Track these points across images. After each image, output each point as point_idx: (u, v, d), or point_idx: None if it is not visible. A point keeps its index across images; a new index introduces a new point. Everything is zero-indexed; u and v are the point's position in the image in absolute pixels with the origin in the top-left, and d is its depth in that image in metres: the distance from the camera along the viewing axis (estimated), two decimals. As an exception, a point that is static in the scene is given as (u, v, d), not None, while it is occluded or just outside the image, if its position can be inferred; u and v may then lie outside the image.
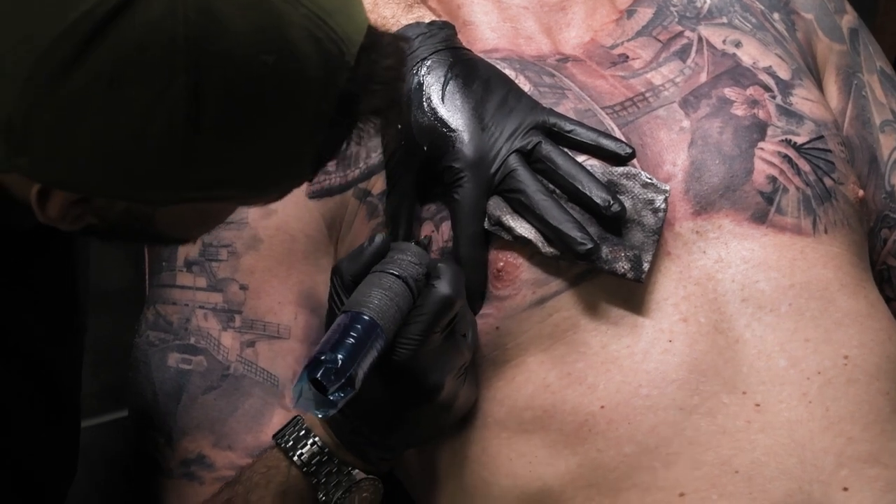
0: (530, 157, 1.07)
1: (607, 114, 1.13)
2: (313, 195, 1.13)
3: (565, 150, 1.08)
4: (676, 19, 1.22)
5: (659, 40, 1.20)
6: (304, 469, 1.03)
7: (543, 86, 1.14)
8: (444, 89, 1.08)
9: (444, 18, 1.20)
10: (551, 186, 1.07)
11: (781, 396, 1.05)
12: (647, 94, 1.15)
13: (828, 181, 1.14)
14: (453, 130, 1.07)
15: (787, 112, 1.16)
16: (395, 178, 1.11)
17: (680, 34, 1.20)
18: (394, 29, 1.09)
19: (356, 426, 1.03)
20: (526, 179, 1.06)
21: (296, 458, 1.03)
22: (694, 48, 1.19)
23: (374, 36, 0.85)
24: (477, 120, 1.07)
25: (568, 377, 1.06)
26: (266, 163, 0.82)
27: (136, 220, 0.86)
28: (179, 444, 1.09)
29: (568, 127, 1.09)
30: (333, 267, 1.03)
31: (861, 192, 1.18)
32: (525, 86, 1.13)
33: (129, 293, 1.59)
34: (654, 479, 1.03)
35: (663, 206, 1.07)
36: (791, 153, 1.13)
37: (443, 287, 1.00)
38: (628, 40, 1.20)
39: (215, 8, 0.78)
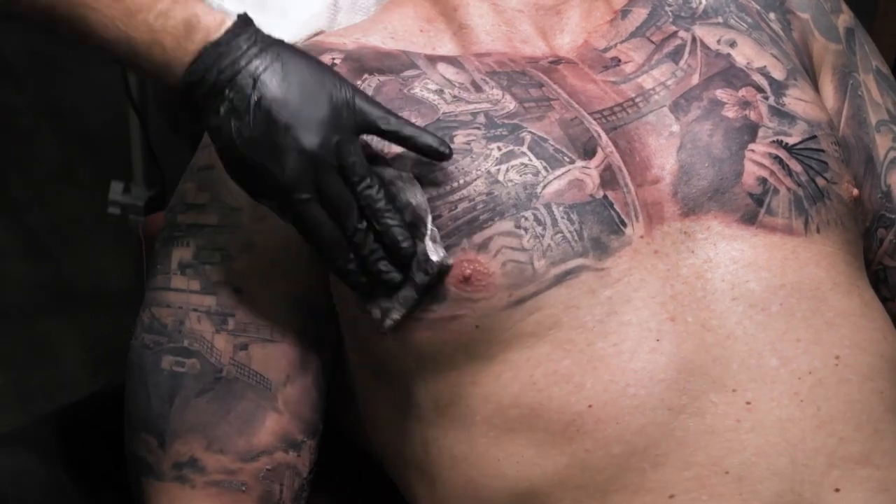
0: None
1: (595, 119, 1.13)
2: None
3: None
4: (671, 19, 1.21)
5: (652, 41, 1.20)
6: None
7: (529, 101, 1.13)
8: (249, 117, 1.03)
9: (441, 21, 1.20)
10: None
11: (773, 395, 1.04)
12: (637, 100, 1.15)
13: (820, 181, 1.13)
14: (265, 161, 1.03)
15: (780, 113, 1.15)
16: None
17: (674, 35, 1.20)
18: (186, 60, 1.03)
19: None
20: (344, 199, 1.04)
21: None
22: (687, 49, 1.19)
23: None
24: (286, 142, 1.02)
25: (554, 375, 1.05)
26: None
27: None
28: (171, 447, 1.09)
29: (384, 128, 1.06)
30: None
31: (856, 192, 1.18)
32: (510, 104, 1.13)
33: (129, 293, 1.60)
34: (642, 480, 1.03)
35: (434, 269, 1.06)
36: (782, 154, 1.13)
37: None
38: (621, 42, 1.20)
39: None
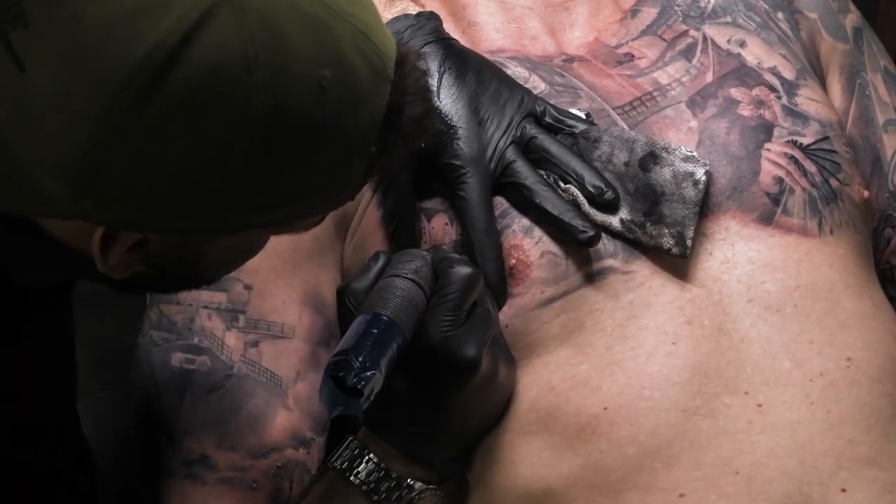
0: (527, 149, 1.08)
1: (618, 114, 1.13)
2: None
3: (558, 139, 1.08)
4: (681, 18, 1.21)
5: (664, 39, 1.20)
6: (363, 487, 1.02)
7: (557, 85, 1.14)
8: (438, 83, 1.08)
9: (449, 20, 1.20)
10: (549, 177, 1.07)
11: (784, 398, 1.05)
12: (655, 94, 1.15)
13: (834, 182, 1.14)
14: (451, 127, 1.07)
15: (793, 113, 1.16)
16: (392, 174, 1.10)
17: (685, 33, 1.20)
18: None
19: (407, 430, 1.02)
20: (524, 171, 1.06)
21: (353, 477, 1.02)
22: (699, 48, 1.19)
23: (402, 52, 0.86)
24: (473, 114, 1.07)
25: (572, 379, 1.06)
26: (325, 177, 0.82)
27: (185, 260, 0.85)
28: (182, 444, 1.09)
29: (558, 115, 1.10)
30: (340, 288, 1.02)
31: (866, 193, 1.18)
32: (539, 85, 1.13)
33: (129, 293, 1.58)
34: (654, 479, 1.03)
35: (703, 178, 1.07)
36: (797, 154, 1.13)
37: (462, 267, 1.00)
38: (633, 39, 1.20)
39: (277, 24, 0.77)
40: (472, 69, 1.09)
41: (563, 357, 1.06)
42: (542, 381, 1.06)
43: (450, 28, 1.18)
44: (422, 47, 1.08)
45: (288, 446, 1.11)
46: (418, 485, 1.03)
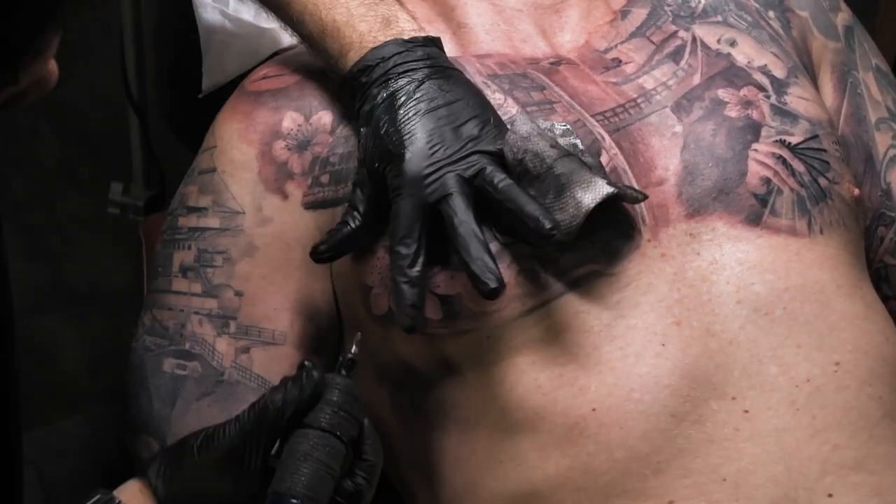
0: (474, 181, 1.05)
1: (597, 121, 1.13)
2: (308, 206, 1.13)
3: (506, 176, 1.05)
4: (671, 19, 1.21)
5: (652, 42, 1.20)
6: None
7: (531, 104, 1.13)
8: (402, 109, 1.06)
9: (439, 21, 1.20)
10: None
11: (770, 403, 1.05)
12: (639, 100, 1.15)
13: (823, 181, 1.13)
14: (401, 148, 1.05)
15: (782, 112, 1.15)
16: (362, 192, 1.09)
17: (674, 34, 1.20)
18: (369, 45, 1.09)
19: None
20: (457, 206, 1.03)
21: None
22: (688, 49, 1.19)
23: None
24: (425, 141, 1.05)
25: (559, 378, 1.05)
26: None
27: None
28: None
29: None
30: (261, 404, 0.95)
31: (857, 191, 1.18)
32: (513, 108, 1.12)
33: (129, 293, 1.60)
34: (643, 486, 1.03)
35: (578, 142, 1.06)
36: (785, 154, 1.13)
37: (372, 456, 0.97)
38: (622, 42, 1.20)
39: None
40: (447, 102, 1.07)
41: (549, 356, 1.06)
42: (528, 380, 1.06)
43: (440, 29, 1.19)
44: (401, 74, 1.07)
45: (279, 451, 1.11)
46: None
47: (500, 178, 1.04)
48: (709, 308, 1.07)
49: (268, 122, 1.15)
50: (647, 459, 1.03)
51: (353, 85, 1.09)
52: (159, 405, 1.11)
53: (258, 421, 0.94)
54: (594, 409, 1.04)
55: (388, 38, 1.08)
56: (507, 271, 1.06)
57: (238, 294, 1.12)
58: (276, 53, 1.38)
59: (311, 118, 1.15)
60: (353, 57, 1.09)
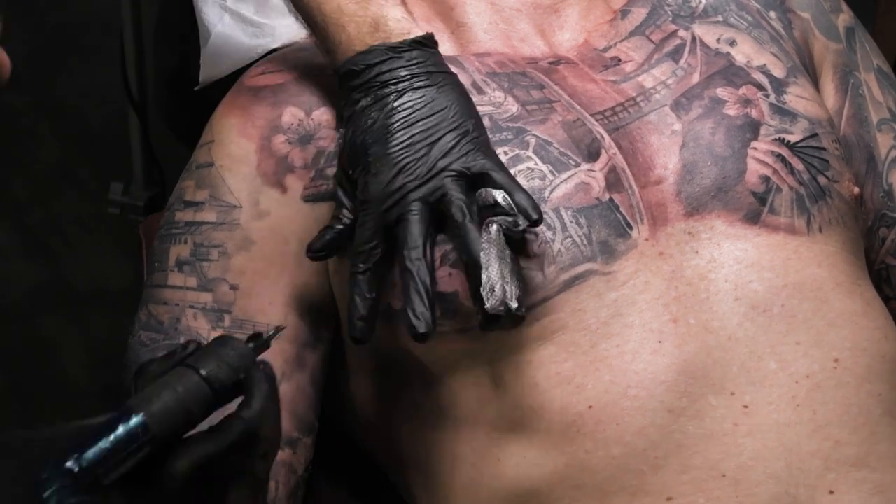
0: (439, 205, 1.04)
1: (597, 120, 1.13)
2: (308, 198, 1.13)
3: (464, 204, 1.03)
4: (670, 18, 1.21)
5: (652, 41, 1.20)
6: None
7: (531, 103, 1.13)
8: (378, 123, 1.05)
9: (438, 20, 1.20)
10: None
11: (770, 399, 1.04)
12: (639, 99, 1.15)
13: (822, 179, 1.13)
14: (369, 165, 1.04)
15: (781, 110, 1.15)
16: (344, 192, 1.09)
17: (673, 34, 1.20)
18: (356, 49, 1.07)
19: None
20: (411, 233, 1.02)
21: None
22: (687, 48, 1.19)
23: None
24: (394, 160, 1.04)
25: (557, 377, 1.05)
26: None
27: None
28: None
29: (495, 177, 1.05)
30: (139, 367, 0.93)
31: (856, 190, 1.18)
32: (513, 107, 1.12)
33: (129, 293, 1.59)
34: (641, 482, 1.03)
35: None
36: (785, 152, 1.13)
37: (248, 413, 0.90)
38: (621, 41, 1.20)
39: None
40: (428, 108, 1.05)
41: (546, 355, 1.06)
42: (525, 379, 1.06)
43: (438, 29, 1.18)
44: (384, 85, 1.05)
45: (274, 446, 1.11)
46: None
47: (456, 209, 1.03)
48: (706, 306, 1.07)
49: (267, 116, 1.15)
50: (645, 455, 1.03)
51: (340, 85, 1.09)
52: None
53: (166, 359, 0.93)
54: (591, 407, 1.04)
55: (376, 43, 1.07)
56: None
57: (233, 288, 1.12)
58: (274, 50, 1.38)
59: (311, 114, 1.14)
60: (341, 58, 1.08)
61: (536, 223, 1.03)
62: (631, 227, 1.08)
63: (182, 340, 1.10)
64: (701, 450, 1.03)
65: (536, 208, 1.03)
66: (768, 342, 1.06)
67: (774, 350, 1.06)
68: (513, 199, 1.03)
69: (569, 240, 1.07)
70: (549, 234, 1.06)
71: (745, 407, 1.04)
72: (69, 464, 0.84)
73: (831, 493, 1.03)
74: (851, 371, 1.07)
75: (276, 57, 1.23)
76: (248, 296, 1.12)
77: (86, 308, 2.24)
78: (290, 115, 1.15)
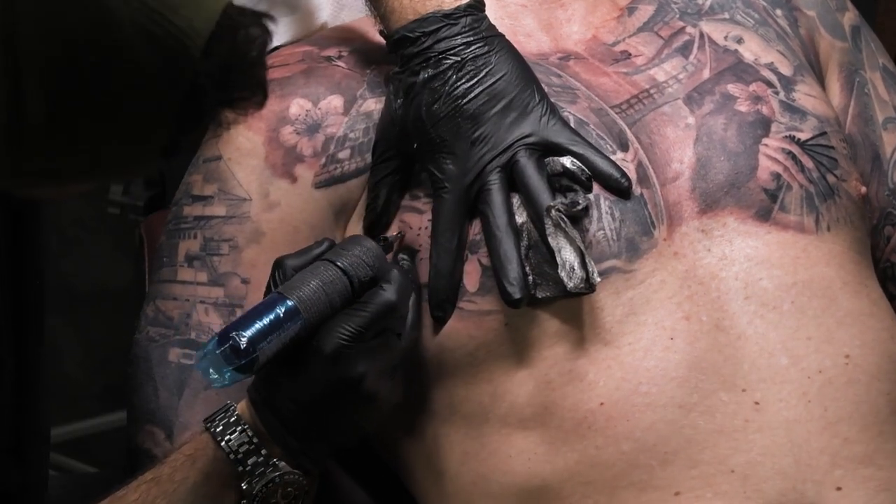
0: (512, 172, 1.06)
1: (616, 112, 1.13)
2: (321, 184, 1.13)
3: (537, 169, 1.06)
4: (678, 15, 1.21)
5: (661, 36, 1.20)
6: (231, 455, 1.01)
7: (555, 86, 1.13)
8: (443, 98, 1.06)
9: None
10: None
11: (781, 395, 1.05)
12: (652, 91, 1.15)
13: (830, 178, 1.14)
14: (443, 139, 1.06)
15: (791, 108, 1.15)
16: (384, 155, 1.11)
17: (681, 30, 1.20)
18: (410, 17, 1.08)
19: (277, 417, 1.01)
20: (494, 203, 1.05)
21: (223, 443, 1.01)
22: (696, 44, 1.19)
23: (231, 21, 0.85)
24: (469, 131, 1.06)
25: (569, 374, 1.05)
26: (107, 153, 0.83)
27: None
28: (181, 439, 1.08)
29: (573, 148, 1.07)
30: (276, 260, 1.02)
31: (863, 189, 1.18)
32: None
33: (129, 293, 1.59)
34: (650, 477, 1.03)
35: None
36: (795, 149, 1.13)
37: (389, 292, 1.00)
38: (630, 36, 1.20)
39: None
40: (491, 81, 1.07)
41: (560, 352, 1.06)
42: (538, 376, 1.06)
43: None
44: (442, 54, 1.07)
45: (285, 441, 1.10)
46: (283, 464, 1.01)
47: (528, 174, 1.05)
48: (717, 304, 1.07)
49: (274, 109, 1.14)
50: (654, 450, 1.03)
51: (394, 52, 1.09)
52: (166, 395, 1.10)
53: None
54: (602, 404, 1.04)
55: (430, 10, 1.08)
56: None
57: (245, 281, 1.11)
58: (277, 48, 1.38)
59: (319, 103, 1.14)
60: (395, 24, 1.08)
61: (628, 190, 1.07)
62: (654, 227, 1.09)
63: (193, 335, 1.10)
64: (710, 445, 1.03)
65: (624, 174, 1.07)
66: (779, 338, 1.06)
67: (785, 346, 1.06)
68: (598, 170, 1.06)
69: (601, 232, 1.07)
70: (585, 221, 1.07)
71: (756, 403, 1.04)
72: (232, 335, 0.94)
73: (838, 489, 1.03)
74: (863, 368, 1.07)
75: (280, 52, 1.23)
76: (260, 288, 1.10)
77: (86, 308, 2.24)
78: (298, 106, 1.14)
